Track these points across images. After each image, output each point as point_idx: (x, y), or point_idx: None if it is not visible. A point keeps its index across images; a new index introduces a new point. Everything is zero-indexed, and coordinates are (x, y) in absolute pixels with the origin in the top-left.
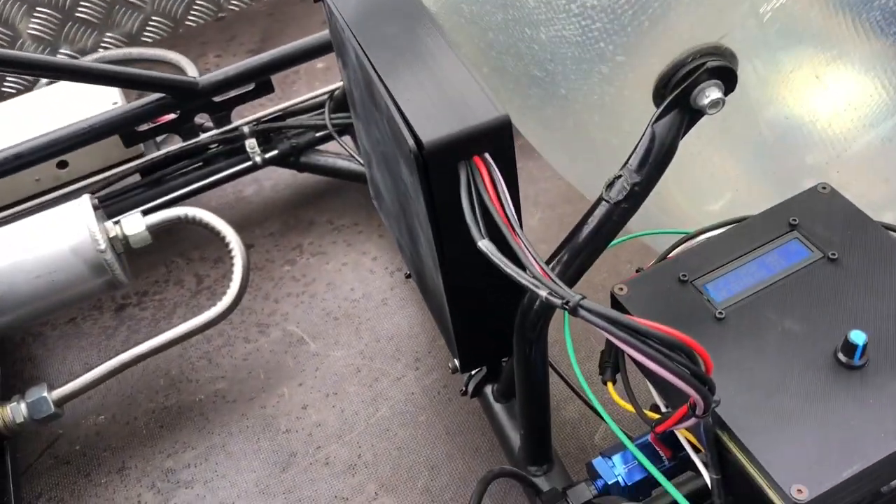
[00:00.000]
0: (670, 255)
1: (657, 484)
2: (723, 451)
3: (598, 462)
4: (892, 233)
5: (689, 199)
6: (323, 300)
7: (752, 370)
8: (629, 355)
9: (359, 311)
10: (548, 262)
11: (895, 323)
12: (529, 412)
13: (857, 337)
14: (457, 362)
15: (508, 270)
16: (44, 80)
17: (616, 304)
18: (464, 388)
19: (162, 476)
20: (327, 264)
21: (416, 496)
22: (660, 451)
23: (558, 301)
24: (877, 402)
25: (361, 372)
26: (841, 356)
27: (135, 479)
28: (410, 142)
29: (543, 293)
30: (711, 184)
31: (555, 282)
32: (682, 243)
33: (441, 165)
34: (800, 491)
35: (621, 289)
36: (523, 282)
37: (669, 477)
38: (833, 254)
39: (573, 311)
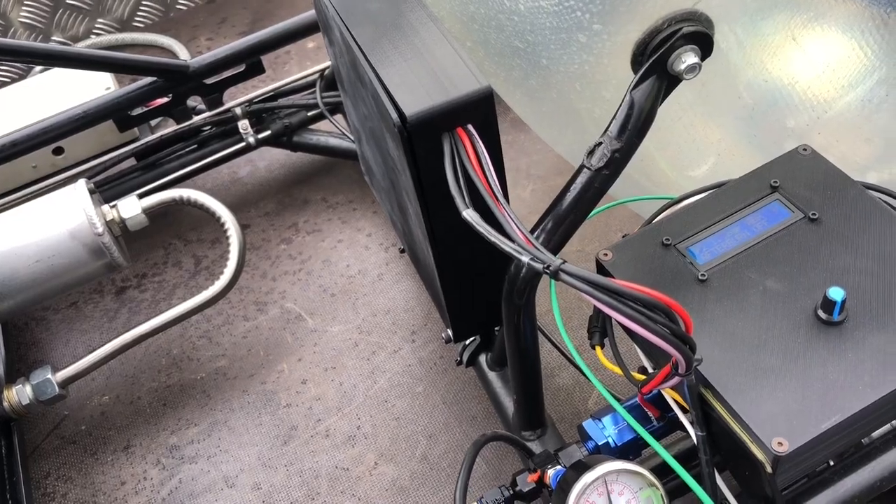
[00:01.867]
0: (656, 220)
1: (647, 444)
2: (707, 408)
3: (588, 424)
4: (872, 192)
5: (673, 166)
6: (319, 277)
7: (735, 329)
8: (612, 317)
9: (355, 287)
10: (532, 231)
11: (874, 279)
12: (521, 378)
13: (836, 293)
14: (450, 332)
15: (492, 239)
16: (37, 68)
17: (601, 269)
18: (459, 358)
19: (166, 453)
20: (323, 242)
21: (414, 464)
22: (648, 412)
23: (540, 266)
24: (855, 356)
25: (359, 346)
26: (821, 313)
27: (140, 456)
28: (394, 115)
29: (526, 259)
30: (694, 150)
31: (537, 248)
32: (666, 209)
33: (425, 138)
34: (780, 444)
35: (606, 254)
36: (507, 249)
37: (658, 437)
38: (814, 214)
39: (555, 275)
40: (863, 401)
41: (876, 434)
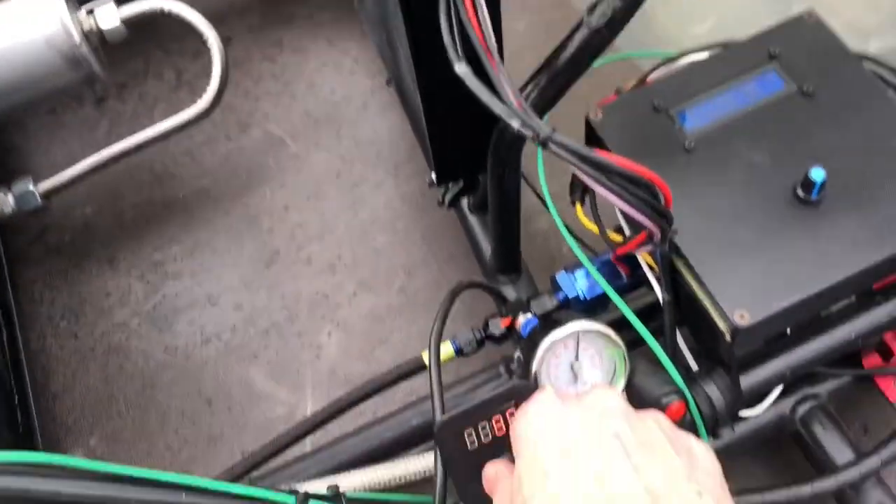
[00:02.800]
0: (650, 77)
1: (607, 303)
2: (676, 274)
3: (561, 276)
4: (871, 65)
5: (674, 21)
6: (303, 100)
7: (714, 201)
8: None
9: (339, 114)
10: (525, 86)
11: (857, 161)
12: (500, 225)
13: (817, 174)
14: (434, 175)
15: (484, 98)
16: None
17: (590, 128)
18: (441, 199)
19: (151, 268)
20: (308, 62)
21: (392, 296)
22: (620, 269)
23: (529, 133)
24: (827, 236)
25: (342, 176)
26: (800, 191)
27: (125, 270)
28: None
29: (516, 124)
30: (697, 5)
31: (528, 113)
32: (663, 65)
33: None
34: (742, 316)
35: (596, 114)
36: (497, 111)
37: (627, 291)
38: (808, 87)
39: (543, 145)
40: (827, 280)
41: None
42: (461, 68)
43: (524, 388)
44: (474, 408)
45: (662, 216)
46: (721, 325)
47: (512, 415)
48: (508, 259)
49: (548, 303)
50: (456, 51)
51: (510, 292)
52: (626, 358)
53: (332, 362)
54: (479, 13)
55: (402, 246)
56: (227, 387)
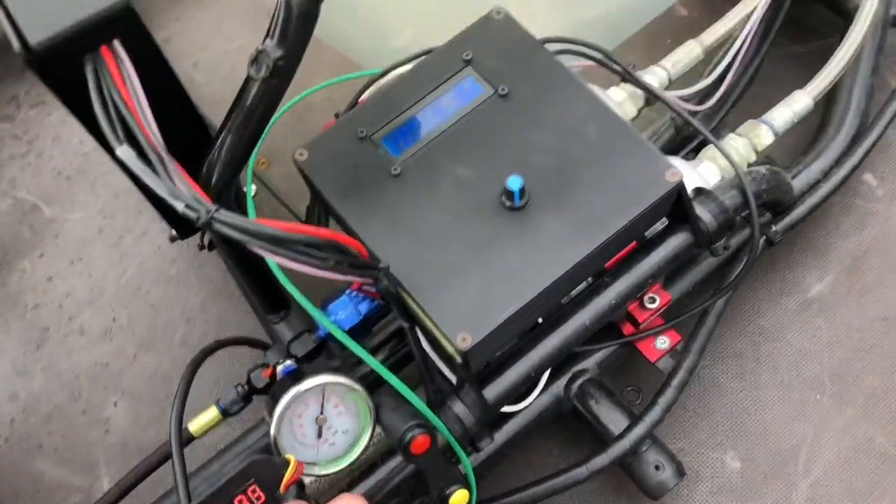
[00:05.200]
0: (361, 98)
1: (375, 322)
2: (404, 303)
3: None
4: (559, 48)
5: (373, 38)
6: (51, 158)
7: (426, 224)
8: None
9: (91, 166)
10: (212, 152)
11: (555, 156)
12: (245, 276)
13: (513, 183)
14: (173, 231)
15: (148, 181)
16: None
17: (301, 172)
18: (200, 242)
19: None
20: (49, 115)
21: (175, 351)
22: (370, 295)
23: (193, 216)
24: (533, 240)
25: (104, 232)
26: (504, 200)
27: None
28: (17, 45)
29: (180, 207)
30: (391, 20)
31: (191, 195)
32: (370, 85)
33: (61, 67)
34: (464, 339)
35: (301, 154)
36: (163, 194)
37: (386, 315)
38: (503, 89)
39: (208, 227)
40: (538, 286)
41: (575, 292)
42: (123, 152)
43: (261, 463)
44: (210, 498)
45: (362, 267)
46: (450, 349)
47: (254, 492)
48: (270, 299)
49: (309, 342)
50: (115, 134)
51: (284, 329)
52: (367, 400)
53: (123, 434)
54: (132, 88)
55: (178, 294)
56: (16, 486)
